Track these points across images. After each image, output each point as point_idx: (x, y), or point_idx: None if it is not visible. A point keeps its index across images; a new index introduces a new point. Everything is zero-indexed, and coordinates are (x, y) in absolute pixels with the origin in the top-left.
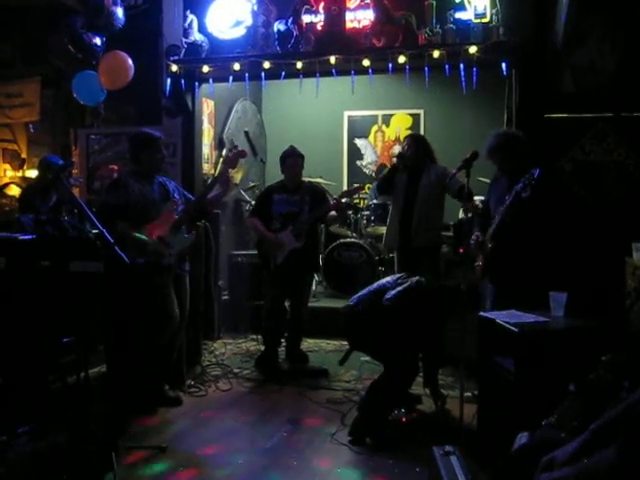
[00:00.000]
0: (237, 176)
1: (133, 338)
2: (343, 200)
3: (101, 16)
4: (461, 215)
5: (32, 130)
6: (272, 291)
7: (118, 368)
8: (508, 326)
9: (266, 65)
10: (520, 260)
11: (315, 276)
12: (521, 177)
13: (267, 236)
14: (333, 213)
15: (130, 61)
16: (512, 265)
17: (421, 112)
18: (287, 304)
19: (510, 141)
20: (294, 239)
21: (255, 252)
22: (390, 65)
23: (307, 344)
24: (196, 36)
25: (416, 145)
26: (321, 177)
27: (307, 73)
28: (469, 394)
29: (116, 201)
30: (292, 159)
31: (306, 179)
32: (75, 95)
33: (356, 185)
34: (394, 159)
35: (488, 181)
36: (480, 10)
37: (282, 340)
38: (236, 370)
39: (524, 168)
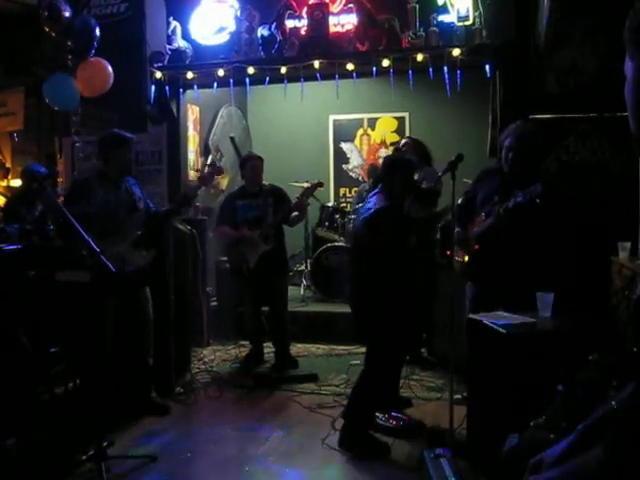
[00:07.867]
0: (223, 182)
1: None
2: (306, 199)
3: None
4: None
5: (16, 139)
6: (250, 296)
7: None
8: (496, 327)
9: (250, 70)
10: (507, 265)
11: (304, 281)
12: (520, 179)
13: (242, 236)
14: (296, 213)
15: (110, 68)
16: (498, 268)
17: (406, 115)
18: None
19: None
20: (263, 242)
21: None
22: (374, 69)
23: (296, 349)
24: (180, 43)
25: (413, 149)
26: (307, 181)
27: (291, 78)
28: (459, 396)
29: (75, 211)
30: (252, 162)
31: (295, 184)
32: (47, 99)
33: (315, 182)
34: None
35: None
36: (463, 13)
37: (264, 339)
38: (225, 377)
39: (530, 169)
